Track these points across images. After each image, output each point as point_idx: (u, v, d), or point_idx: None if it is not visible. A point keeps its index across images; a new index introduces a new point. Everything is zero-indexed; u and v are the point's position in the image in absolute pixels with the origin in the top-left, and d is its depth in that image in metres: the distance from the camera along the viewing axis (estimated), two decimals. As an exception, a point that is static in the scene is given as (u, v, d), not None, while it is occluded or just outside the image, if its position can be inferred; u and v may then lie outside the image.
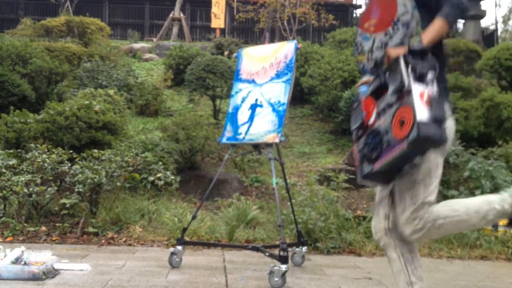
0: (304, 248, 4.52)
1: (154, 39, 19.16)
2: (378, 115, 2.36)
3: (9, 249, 3.89)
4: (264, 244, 4.90)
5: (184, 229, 4.41)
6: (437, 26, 2.33)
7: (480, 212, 2.41)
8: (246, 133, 4.34)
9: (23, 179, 5.23)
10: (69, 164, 5.58)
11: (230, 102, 4.64)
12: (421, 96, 2.17)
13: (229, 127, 4.52)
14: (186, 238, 5.17)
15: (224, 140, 4.49)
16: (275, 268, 3.69)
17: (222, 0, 19.47)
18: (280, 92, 4.29)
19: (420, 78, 2.20)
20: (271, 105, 4.30)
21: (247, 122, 4.40)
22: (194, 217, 4.42)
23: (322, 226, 5.24)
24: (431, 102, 2.16)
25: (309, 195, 5.63)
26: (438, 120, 2.14)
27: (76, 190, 5.29)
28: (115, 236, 5.29)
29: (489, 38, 22.40)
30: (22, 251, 3.83)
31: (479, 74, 14.36)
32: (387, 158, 2.25)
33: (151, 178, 6.48)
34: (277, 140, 4.14)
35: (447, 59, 2.49)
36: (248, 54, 4.73)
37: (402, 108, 2.20)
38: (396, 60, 2.27)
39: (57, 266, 3.92)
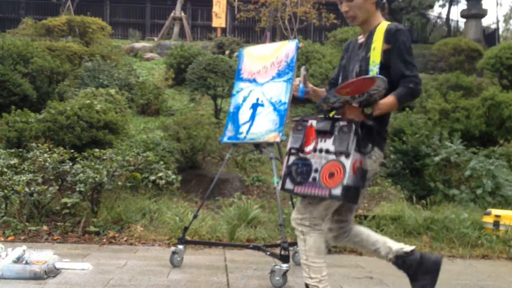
0: None
1: (155, 39, 19.16)
2: (315, 150, 2.82)
3: (10, 248, 3.90)
4: (265, 243, 4.90)
5: (185, 228, 4.41)
6: (389, 102, 2.81)
7: None
8: (247, 133, 4.34)
9: (24, 178, 5.23)
10: (71, 164, 5.58)
11: (231, 102, 4.64)
12: (354, 163, 2.71)
13: (230, 127, 4.52)
14: (187, 237, 5.17)
15: (225, 139, 4.49)
16: (276, 267, 3.68)
17: (223, -1, 19.47)
18: (281, 91, 4.28)
19: (360, 149, 2.75)
20: (272, 104, 4.30)
21: (248, 121, 4.40)
22: (195, 216, 4.42)
23: (323, 225, 5.23)
24: (359, 172, 2.74)
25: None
26: (356, 188, 2.73)
27: (77, 189, 5.29)
28: (117, 235, 5.30)
29: (490, 37, 22.39)
30: (24, 251, 3.83)
31: (480, 73, 14.36)
32: (309, 191, 2.77)
33: (152, 178, 6.49)
34: (278, 140, 4.14)
35: (388, 118, 2.93)
36: (249, 54, 4.73)
37: (336, 163, 2.72)
38: (350, 123, 2.77)
39: (58, 265, 3.92)
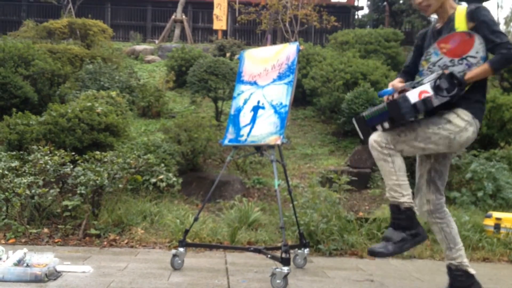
0: (306, 250, 4.51)
1: (156, 41, 19.20)
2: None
3: (11, 251, 3.90)
4: (266, 246, 4.89)
5: (186, 231, 4.41)
6: (482, 69, 3.05)
7: None
8: (248, 135, 4.34)
9: (25, 181, 5.24)
10: (71, 166, 5.58)
11: (232, 104, 4.64)
12: (421, 92, 3.07)
13: (231, 129, 4.52)
14: (188, 240, 5.17)
15: (226, 142, 4.49)
16: (277, 270, 3.68)
17: (224, 2, 19.49)
18: (282, 94, 4.29)
19: (436, 89, 3.06)
20: (273, 107, 4.30)
21: (249, 124, 4.40)
22: (196, 219, 4.42)
23: (324, 228, 5.24)
24: (422, 99, 3.06)
25: (311, 197, 5.64)
26: (414, 107, 3.06)
27: (78, 192, 5.29)
28: (117, 238, 5.30)
29: (491, 39, 22.39)
30: (25, 253, 3.83)
31: (481, 76, 14.34)
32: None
33: (153, 180, 6.49)
34: (279, 142, 4.14)
35: (487, 88, 3.19)
36: (250, 56, 4.73)
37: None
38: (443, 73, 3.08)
39: (59, 268, 3.92)
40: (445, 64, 3.15)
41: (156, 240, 5.31)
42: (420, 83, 3.20)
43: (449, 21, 3.22)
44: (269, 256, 4.01)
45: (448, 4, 3.27)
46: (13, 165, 5.60)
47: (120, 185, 5.66)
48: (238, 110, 4.52)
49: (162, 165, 6.73)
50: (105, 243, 5.18)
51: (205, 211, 6.53)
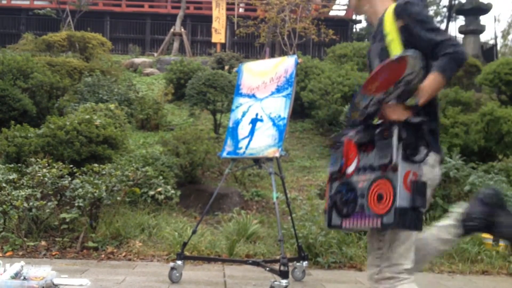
0: (305, 263, 4.50)
1: (155, 54, 19.26)
2: (358, 170, 2.25)
3: (8, 264, 3.88)
4: (265, 258, 4.88)
5: (184, 244, 4.40)
6: (433, 82, 2.25)
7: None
8: (246, 148, 4.35)
9: (23, 193, 5.22)
10: (70, 179, 5.58)
11: (230, 117, 4.65)
12: (405, 177, 2.11)
13: (229, 142, 4.52)
14: (186, 253, 5.15)
15: (224, 154, 4.49)
16: (275, 283, 3.67)
17: (222, 15, 19.59)
18: (280, 106, 4.30)
19: (410, 156, 2.14)
20: (272, 119, 4.31)
21: (247, 136, 4.40)
22: (194, 232, 4.41)
23: (322, 240, 5.23)
24: (414, 187, 2.10)
25: (310, 209, 5.63)
26: (416, 208, 2.09)
27: (76, 204, 5.28)
28: (115, 250, 5.27)
29: (488, 52, 22.50)
30: (22, 266, 3.81)
31: (478, 89, 14.41)
32: (359, 223, 2.18)
33: (151, 193, 6.47)
34: (277, 155, 4.14)
35: (437, 109, 2.46)
36: (248, 69, 4.75)
37: (383, 181, 2.13)
38: (391, 126, 2.19)
39: (56, 281, 3.90)
40: (378, 99, 2.27)
41: (154, 253, 5.28)
42: (365, 139, 2.29)
43: (379, 25, 2.47)
44: (267, 269, 3.99)
45: (380, 3, 2.52)
46: (11, 177, 5.59)
47: (118, 198, 5.65)
48: (237, 123, 4.52)
49: (161, 177, 6.72)
50: (103, 256, 5.15)
51: (204, 224, 6.51)
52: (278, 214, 4.13)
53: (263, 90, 4.51)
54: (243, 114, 4.54)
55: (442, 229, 2.52)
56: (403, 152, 2.13)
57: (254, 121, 4.44)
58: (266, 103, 4.43)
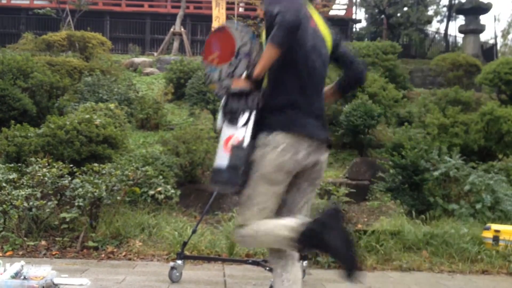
0: (305, 262, 4.49)
1: (155, 54, 19.25)
2: None
3: (8, 263, 3.88)
4: (265, 258, 4.88)
5: (185, 243, 4.40)
6: (266, 52, 2.30)
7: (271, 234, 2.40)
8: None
9: (23, 193, 5.22)
10: (70, 178, 5.57)
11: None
12: (226, 141, 2.26)
13: None
14: (187, 253, 5.14)
15: None
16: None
17: (222, 14, 19.57)
18: None
19: (232, 121, 2.28)
20: None
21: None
22: (194, 231, 4.41)
23: (323, 240, 5.21)
24: (234, 149, 2.24)
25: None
26: (234, 168, 2.24)
27: (76, 204, 5.28)
28: (115, 250, 5.27)
29: (488, 52, 22.52)
30: (22, 266, 3.81)
31: (478, 88, 14.42)
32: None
33: (151, 192, 6.47)
34: None
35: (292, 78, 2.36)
36: None
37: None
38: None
39: (56, 281, 3.90)
40: (228, 72, 2.44)
41: (154, 253, 5.28)
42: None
43: None
44: (267, 268, 3.99)
45: None
46: (11, 177, 5.59)
47: (118, 197, 5.65)
48: None
49: (161, 177, 6.72)
50: (103, 255, 5.15)
51: (204, 223, 6.50)
52: None
53: None
54: None
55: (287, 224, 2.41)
56: (227, 117, 2.30)
57: None
58: None
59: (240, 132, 2.28)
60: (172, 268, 4.25)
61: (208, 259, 5.07)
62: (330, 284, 4.44)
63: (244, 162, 2.27)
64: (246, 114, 2.29)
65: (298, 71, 2.42)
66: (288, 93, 2.40)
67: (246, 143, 2.29)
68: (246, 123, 2.29)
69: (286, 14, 2.24)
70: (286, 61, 2.37)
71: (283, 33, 2.25)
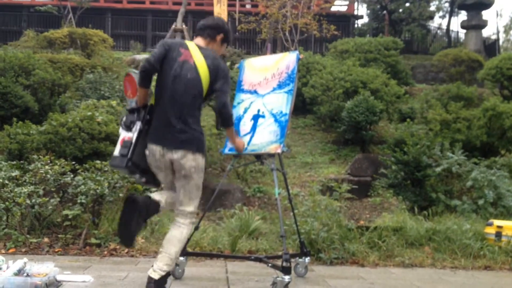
0: (307, 259, 4.50)
1: (157, 50, 19.21)
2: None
3: (11, 260, 3.89)
4: (267, 255, 4.88)
5: (187, 240, 4.40)
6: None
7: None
8: (248, 144, 4.34)
9: (25, 190, 5.23)
10: (72, 175, 5.58)
11: (233, 113, 4.64)
12: (122, 140, 3.61)
13: None
14: (189, 249, 5.15)
15: (226, 150, 4.49)
16: (278, 279, 3.67)
17: (224, 11, 19.54)
18: (282, 102, 4.28)
19: (127, 128, 3.59)
20: (273, 115, 4.30)
21: (249, 132, 4.39)
22: (197, 228, 4.41)
23: (325, 236, 5.22)
24: (124, 144, 3.58)
25: (312, 205, 5.62)
26: (123, 155, 3.55)
27: (78, 201, 5.28)
28: (118, 247, 5.28)
29: (490, 47, 22.45)
30: (25, 263, 3.82)
31: (481, 84, 14.39)
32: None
33: (153, 189, 6.46)
34: (279, 151, 4.13)
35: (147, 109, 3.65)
36: (249, 65, 4.73)
37: None
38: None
39: (59, 277, 3.91)
40: (136, 101, 3.71)
41: (156, 249, 5.28)
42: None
43: None
44: (270, 265, 4.00)
45: None
46: (13, 174, 5.60)
47: (121, 194, 5.65)
48: (238, 119, 4.51)
49: (163, 174, 6.71)
50: (106, 252, 5.16)
51: (206, 220, 6.52)
52: (280, 210, 4.12)
53: (265, 86, 4.49)
54: (245, 111, 4.52)
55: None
56: (124, 125, 3.62)
57: (256, 117, 4.42)
58: (268, 99, 4.41)
59: (131, 134, 3.58)
60: (175, 264, 4.26)
61: (210, 256, 5.07)
62: (333, 280, 4.45)
63: (131, 153, 3.54)
64: (137, 123, 3.59)
65: (158, 94, 3.66)
66: (154, 111, 3.65)
67: (134, 140, 3.56)
68: (135, 129, 3.58)
69: (144, 62, 3.60)
70: (157, 90, 3.68)
71: (140, 76, 3.60)
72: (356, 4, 23.31)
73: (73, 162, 5.98)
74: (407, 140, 7.97)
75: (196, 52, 3.64)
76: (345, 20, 21.69)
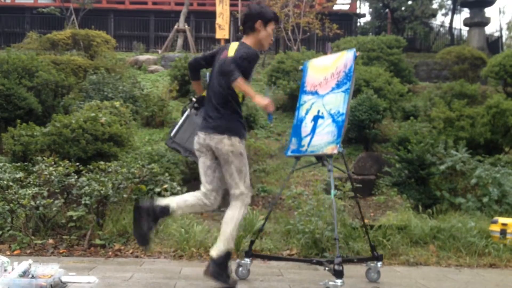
0: (379, 263, 4.37)
1: (159, 51, 19.26)
2: None
3: (16, 262, 3.90)
4: (328, 258, 4.79)
5: (252, 242, 4.44)
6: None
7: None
8: (308, 145, 4.37)
9: (30, 192, 5.24)
10: (76, 177, 5.59)
11: (295, 115, 4.68)
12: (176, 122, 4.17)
13: (293, 140, 4.57)
14: (193, 249, 5.17)
15: (289, 153, 4.53)
16: (330, 283, 3.66)
17: (226, 11, 19.55)
18: (339, 102, 4.28)
19: (182, 113, 4.18)
20: (331, 116, 4.30)
21: (309, 134, 4.42)
22: (261, 230, 4.72)
23: (329, 235, 5.22)
24: (173, 126, 4.16)
25: (316, 204, 5.62)
26: (169, 135, 4.15)
27: (83, 202, 5.30)
28: (122, 248, 5.29)
29: (493, 45, 22.38)
30: (30, 264, 3.83)
31: (484, 81, 14.35)
32: None
33: (157, 189, 6.47)
34: (335, 151, 4.13)
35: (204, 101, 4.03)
36: (312, 66, 4.76)
37: None
38: None
39: (64, 279, 3.92)
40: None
41: (161, 250, 5.30)
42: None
43: None
44: (326, 268, 3.97)
45: None
46: (17, 176, 5.61)
47: (125, 195, 5.67)
48: (300, 121, 4.55)
49: (166, 174, 6.72)
50: (110, 253, 5.17)
51: (210, 220, 6.52)
52: (335, 212, 4.12)
53: (325, 86, 4.50)
54: (306, 112, 4.55)
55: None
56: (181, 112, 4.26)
57: (316, 118, 4.43)
58: (327, 99, 4.42)
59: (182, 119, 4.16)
60: (239, 265, 4.27)
61: (272, 258, 5.00)
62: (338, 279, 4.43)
63: (175, 132, 4.14)
64: (187, 109, 4.16)
65: (207, 90, 4.02)
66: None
67: (180, 122, 4.16)
68: (184, 114, 4.19)
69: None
70: None
71: (188, 69, 4.16)
72: (358, 2, 23.28)
73: (77, 163, 5.99)
74: (410, 138, 7.96)
75: (232, 49, 3.85)
76: (347, 19, 21.66)
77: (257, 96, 3.65)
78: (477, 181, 6.98)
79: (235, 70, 3.64)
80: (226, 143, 3.76)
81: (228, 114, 3.80)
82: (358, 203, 4.70)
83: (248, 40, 3.90)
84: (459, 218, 6.11)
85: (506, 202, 6.82)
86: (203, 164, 3.94)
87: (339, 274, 3.68)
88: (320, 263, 4.16)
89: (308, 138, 4.41)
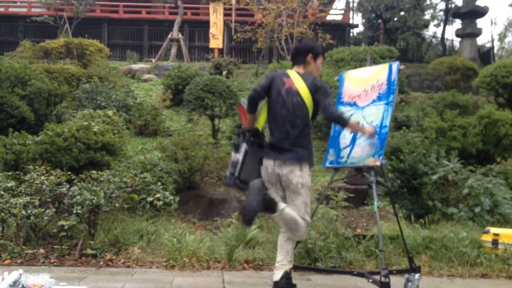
0: (417, 275, 4.31)
1: (153, 60, 19.26)
2: None
3: (6, 272, 3.86)
4: (370, 270, 4.75)
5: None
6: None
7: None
8: (348, 157, 4.38)
9: (21, 201, 5.21)
10: (68, 186, 5.56)
11: (332, 126, 4.70)
12: (232, 160, 3.98)
13: (331, 151, 4.59)
14: (185, 259, 5.14)
15: (327, 164, 4.54)
16: None
17: (220, 20, 19.61)
18: (382, 114, 4.29)
19: (236, 149, 4.01)
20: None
21: (349, 145, 4.43)
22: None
23: (322, 245, 5.22)
24: (232, 164, 3.96)
25: (308, 214, 5.61)
26: (231, 174, 3.91)
27: (74, 211, 5.27)
28: (114, 257, 5.26)
29: (485, 55, 22.54)
30: (20, 274, 3.80)
31: (476, 92, 14.43)
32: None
33: (149, 199, 6.46)
34: (378, 163, 4.14)
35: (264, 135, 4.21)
36: (349, 77, 4.78)
37: None
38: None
39: (55, 289, 3.89)
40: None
41: (153, 260, 5.27)
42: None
43: None
44: (370, 280, 3.97)
45: None
46: (9, 185, 5.58)
47: (117, 204, 5.64)
48: (338, 132, 4.56)
49: (159, 183, 6.71)
50: (102, 263, 5.14)
51: (202, 230, 6.50)
52: (379, 223, 4.16)
53: (364, 98, 4.51)
54: None
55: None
56: (234, 148, 4.07)
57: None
58: (367, 111, 4.43)
59: (238, 156, 3.95)
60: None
61: (311, 269, 4.98)
62: (330, 289, 4.43)
63: (238, 171, 3.91)
64: (243, 145, 3.99)
65: (269, 119, 4.09)
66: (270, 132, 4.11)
67: (240, 159, 3.93)
68: (242, 150, 3.97)
69: (251, 91, 4.07)
70: (268, 115, 4.10)
71: (248, 103, 4.05)
72: (351, 13, 23.39)
73: (69, 172, 5.97)
74: (403, 148, 7.98)
75: (296, 79, 4.01)
76: (340, 29, 21.76)
77: (365, 128, 4.05)
78: (469, 191, 7.00)
79: (342, 114, 3.98)
80: (297, 175, 3.85)
81: (304, 145, 3.90)
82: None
83: (306, 69, 4.09)
84: (451, 228, 6.12)
85: (498, 212, 6.84)
86: (277, 194, 3.95)
87: (386, 286, 3.67)
88: (361, 275, 4.16)
89: (348, 149, 4.42)
